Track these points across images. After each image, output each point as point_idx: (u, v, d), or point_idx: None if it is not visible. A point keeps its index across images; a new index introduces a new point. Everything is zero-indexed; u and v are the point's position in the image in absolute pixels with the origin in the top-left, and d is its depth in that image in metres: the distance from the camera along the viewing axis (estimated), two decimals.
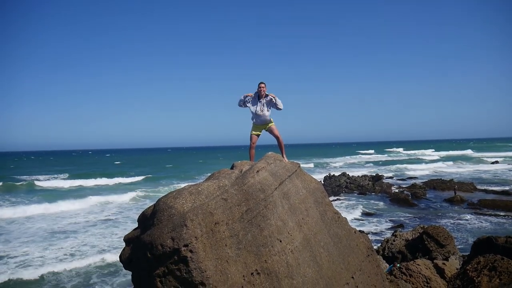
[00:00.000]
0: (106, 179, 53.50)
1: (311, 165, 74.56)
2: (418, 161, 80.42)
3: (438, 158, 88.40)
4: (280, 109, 8.03)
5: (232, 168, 6.48)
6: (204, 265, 4.35)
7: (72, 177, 58.61)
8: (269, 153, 7.10)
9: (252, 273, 4.78)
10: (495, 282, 9.77)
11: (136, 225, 5.62)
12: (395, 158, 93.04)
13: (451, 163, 71.07)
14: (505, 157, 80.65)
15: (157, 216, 4.74)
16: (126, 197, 36.09)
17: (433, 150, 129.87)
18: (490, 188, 36.17)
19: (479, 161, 73.85)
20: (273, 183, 5.86)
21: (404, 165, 67.47)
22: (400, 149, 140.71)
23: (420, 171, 57.71)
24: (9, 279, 14.73)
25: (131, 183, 50.09)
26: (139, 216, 5.43)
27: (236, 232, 4.87)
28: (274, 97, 7.94)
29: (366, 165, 75.17)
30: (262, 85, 8.04)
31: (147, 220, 5.06)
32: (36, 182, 50.16)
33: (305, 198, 6.46)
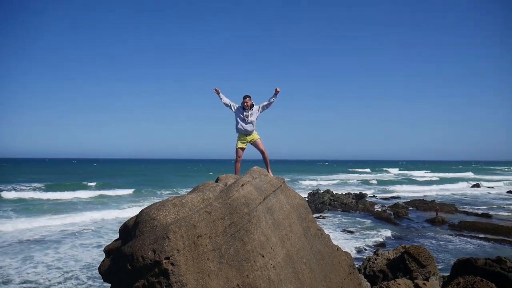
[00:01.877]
0: (88, 191, 52.62)
1: (299, 181, 74.69)
2: (409, 181, 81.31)
3: (431, 179, 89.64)
4: (271, 103, 8.31)
5: (216, 181, 6.47)
6: (185, 278, 4.30)
7: (52, 188, 57.32)
8: (255, 167, 7.11)
9: None
10: None
11: (117, 236, 5.55)
12: (386, 178, 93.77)
13: (444, 185, 71.70)
14: (502, 180, 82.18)
15: (139, 228, 4.69)
16: (109, 209, 35.56)
17: (429, 171, 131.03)
18: (471, 210, 36.68)
19: (475, 184, 74.52)
20: (258, 198, 5.86)
21: (394, 186, 68.10)
22: (396, 169, 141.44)
23: (407, 192, 58.13)
24: None
25: (115, 196, 49.29)
26: (121, 227, 5.37)
27: (219, 246, 4.84)
28: (259, 106, 8.25)
29: (356, 183, 75.55)
30: (247, 99, 8.27)
31: (128, 231, 5.00)
32: (8, 193, 48.60)
33: (289, 214, 6.47)
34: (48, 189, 55.20)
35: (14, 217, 30.75)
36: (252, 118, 8.24)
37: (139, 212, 4.99)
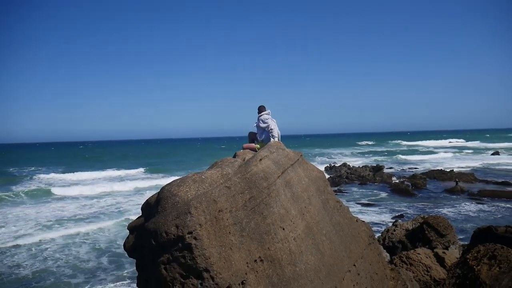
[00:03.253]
0: (105, 171, 53.84)
1: (311, 156, 74.68)
2: (419, 152, 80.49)
3: (440, 149, 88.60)
4: (261, 127, 8.23)
5: (234, 157, 6.51)
6: (208, 252, 4.39)
7: (69, 169, 58.72)
8: (272, 141, 7.13)
9: (255, 260, 4.84)
10: (494, 270, 9.85)
11: (139, 214, 5.66)
12: (395, 149, 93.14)
13: (453, 154, 71.01)
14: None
15: (161, 204, 4.77)
16: (127, 188, 36.51)
17: (435, 140, 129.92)
18: (490, 179, 36.26)
19: (482, 152, 73.86)
20: (276, 172, 5.89)
21: (405, 156, 67.59)
22: (400, 141, 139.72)
23: (420, 162, 57.73)
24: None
25: (130, 176, 50.26)
26: (143, 205, 5.47)
27: (240, 220, 4.92)
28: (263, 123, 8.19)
29: (366, 156, 75.23)
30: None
31: (151, 208, 5.09)
32: (34, 176, 50.66)
33: (308, 187, 6.50)
34: (65, 171, 56.58)
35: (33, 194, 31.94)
36: (258, 129, 8.41)
37: (161, 189, 5.06)
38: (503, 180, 35.05)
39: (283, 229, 5.39)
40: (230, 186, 5.08)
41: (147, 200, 5.43)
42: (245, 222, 4.97)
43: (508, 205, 24.34)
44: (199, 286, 4.39)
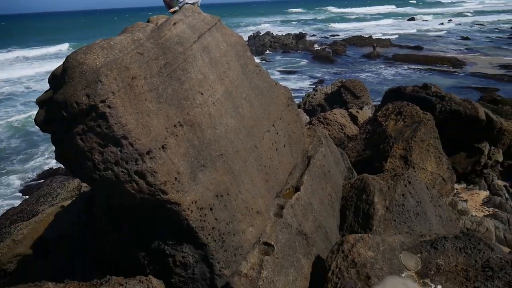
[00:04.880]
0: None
1: (235, 25, 72.56)
2: (347, 19, 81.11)
3: (368, 16, 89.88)
4: None
5: (147, 22, 6.09)
6: (125, 119, 4.33)
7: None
8: (187, 5, 6.70)
9: (175, 125, 4.88)
10: (399, 124, 10.95)
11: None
12: (325, 16, 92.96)
13: (378, 21, 72.44)
14: (443, 13, 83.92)
15: (67, 74, 4.46)
16: (34, 69, 33.72)
17: (369, 6, 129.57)
18: (405, 44, 38.22)
19: (405, 17, 76.11)
20: (192, 36, 5.65)
21: (333, 24, 68.02)
22: (332, 7, 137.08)
23: (346, 31, 58.64)
24: None
25: (36, 55, 45.82)
26: (49, 77, 5.10)
27: (156, 86, 4.80)
28: None
29: (293, 24, 74.61)
30: None
31: (57, 79, 4.76)
32: None
33: (226, 52, 6.39)
34: None
35: None
36: None
37: (65, 58, 4.68)
38: (416, 44, 37.13)
39: (202, 94, 5.39)
40: (142, 52, 4.83)
41: (53, 72, 5.05)
42: (161, 89, 4.87)
43: (418, 67, 26.22)
44: (119, 153, 4.41)
